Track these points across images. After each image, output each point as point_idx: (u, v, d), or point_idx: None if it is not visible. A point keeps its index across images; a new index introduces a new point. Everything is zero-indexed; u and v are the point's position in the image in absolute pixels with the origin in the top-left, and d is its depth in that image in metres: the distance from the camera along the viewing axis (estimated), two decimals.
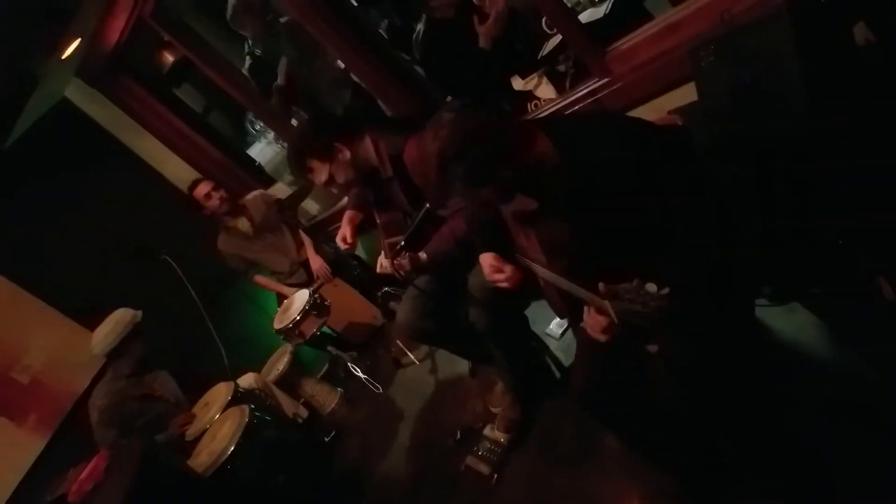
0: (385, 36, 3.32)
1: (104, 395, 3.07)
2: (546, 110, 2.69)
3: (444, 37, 2.75)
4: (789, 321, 2.06)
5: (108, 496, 2.36)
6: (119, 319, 3.14)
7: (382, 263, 2.40)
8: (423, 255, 2.32)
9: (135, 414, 3.04)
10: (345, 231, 2.60)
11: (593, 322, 1.36)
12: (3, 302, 3.78)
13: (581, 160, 1.47)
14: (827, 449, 1.66)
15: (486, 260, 1.98)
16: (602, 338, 1.39)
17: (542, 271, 1.69)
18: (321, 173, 2.30)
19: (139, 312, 3.20)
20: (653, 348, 1.65)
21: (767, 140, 1.79)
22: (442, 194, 2.16)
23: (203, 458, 2.68)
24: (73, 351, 3.73)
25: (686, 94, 2.26)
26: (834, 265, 1.82)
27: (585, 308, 1.42)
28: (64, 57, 3.64)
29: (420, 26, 2.83)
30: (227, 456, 2.62)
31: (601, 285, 1.26)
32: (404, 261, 2.27)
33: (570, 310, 1.73)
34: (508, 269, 1.90)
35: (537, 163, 1.46)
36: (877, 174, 1.65)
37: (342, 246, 2.60)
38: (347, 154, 2.30)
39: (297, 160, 2.32)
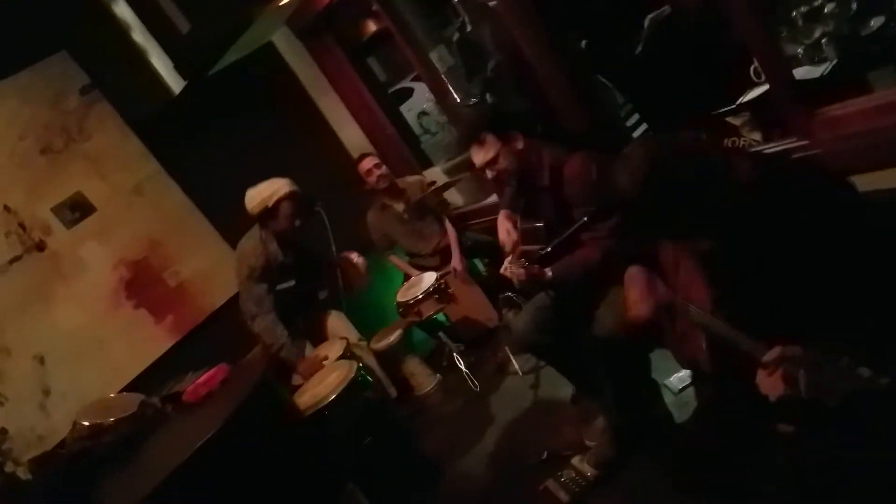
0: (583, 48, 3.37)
1: (252, 254, 3.28)
2: None
3: (683, 29, 2.76)
4: None
5: (218, 406, 2.55)
6: (265, 187, 3.25)
7: (508, 267, 2.41)
8: (548, 271, 2.32)
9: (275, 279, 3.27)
10: (507, 226, 2.58)
11: (771, 385, 1.24)
12: (175, 211, 4.18)
13: (785, 198, 1.34)
14: None
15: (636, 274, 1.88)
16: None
17: (701, 315, 1.59)
18: (489, 150, 2.34)
19: (293, 188, 3.27)
20: (786, 428, 1.53)
21: None
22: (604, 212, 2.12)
23: (306, 399, 2.82)
24: (221, 271, 4.05)
25: (888, 179, 2.08)
26: None
27: (761, 369, 1.29)
28: (280, 4, 3.93)
29: (665, 8, 2.90)
30: (327, 402, 2.74)
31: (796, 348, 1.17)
32: (528, 270, 2.27)
33: (716, 363, 1.62)
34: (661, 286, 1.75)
35: (733, 189, 1.35)
36: None
37: (505, 237, 2.56)
38: (520, 144, 2.35)
39: (475, 128, 2.38)
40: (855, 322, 1.24)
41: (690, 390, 2.57)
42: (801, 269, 1.30)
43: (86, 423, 2.65)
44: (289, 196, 3.26)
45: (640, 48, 3.21)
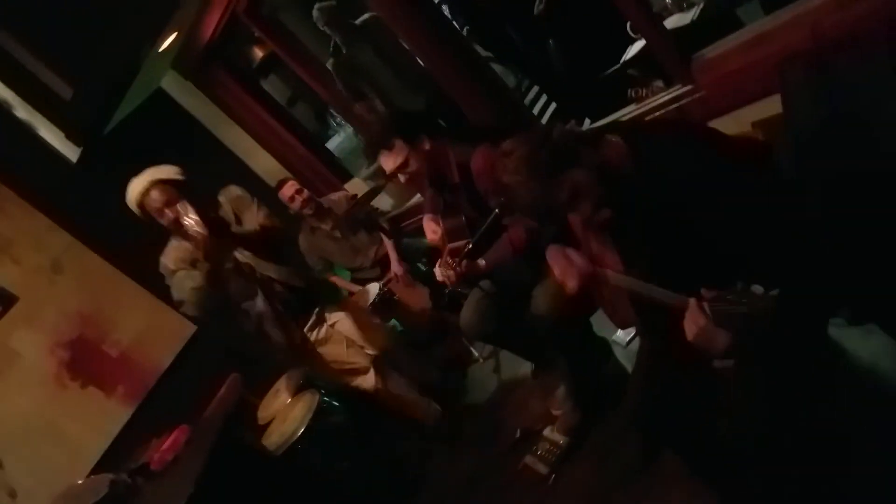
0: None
1: (164, 257, 2.92)
2: (631, 113, 2.66)
3: None
4: (865, 344, 1.96)
5: (188, 467, 2.52)
6: (128, 191, 2.77)
7: (439, 271, 2.44)
8: (481, 262, 2.37)
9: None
10: (433, 228, 2.59)
11: (691, 324, 1.33)
12: (99, 279, 4.02)
13: (656, 169, 1.45)
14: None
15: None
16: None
17: (618, 278, 1.68)
18: (399, 154, 2.35)
19: (155, 176, 2.75)
20: (721, 363, 1.61)
21: (853, 169, 1.72)
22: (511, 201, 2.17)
23: (274, 438, 2.80)
24: (160, 330, 3.97)
25: (771, 107, 2.20)
26: None
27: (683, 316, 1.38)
28: (161, 49, 3.82)
29: None
30: (297, 437, 2.71)
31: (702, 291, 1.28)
32: (457, 272, 2.31)
33: (645, 320, 1.71)
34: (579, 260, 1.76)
35: (613, 167, 1.45)
36: None
37: (433, 237, 2.58)
38: (427, 146, 2.37)
39: (383, 135, 2.38)
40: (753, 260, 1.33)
41: (637, 341, 2.68)
42: (694, 221, 1.40)
43: None
44: (149, 189, 2.74)
45: (540, 6, 3.17)
